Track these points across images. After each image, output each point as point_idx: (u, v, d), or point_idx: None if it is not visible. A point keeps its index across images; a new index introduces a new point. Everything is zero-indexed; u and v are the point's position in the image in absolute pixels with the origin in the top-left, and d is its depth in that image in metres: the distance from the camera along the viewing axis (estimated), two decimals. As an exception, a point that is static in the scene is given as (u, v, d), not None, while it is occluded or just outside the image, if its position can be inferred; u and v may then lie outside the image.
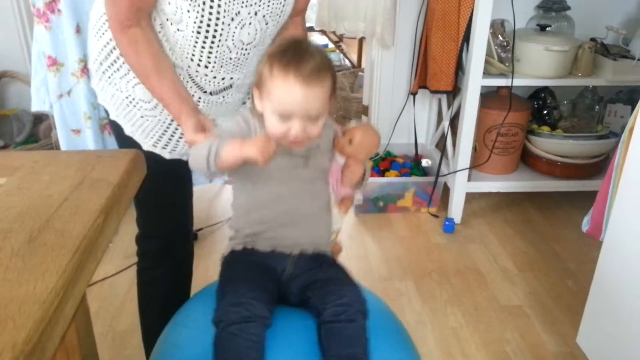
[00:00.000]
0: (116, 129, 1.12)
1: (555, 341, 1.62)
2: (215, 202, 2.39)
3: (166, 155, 1.12)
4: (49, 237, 0.60)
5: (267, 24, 1.01)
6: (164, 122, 1.08)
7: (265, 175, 0.93)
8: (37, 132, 2.43)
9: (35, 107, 1.97)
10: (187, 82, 1.04)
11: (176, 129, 1.09)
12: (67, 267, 0.55)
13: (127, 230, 2.05)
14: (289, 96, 0.85)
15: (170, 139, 1.10)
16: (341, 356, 0.83)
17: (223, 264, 0.98)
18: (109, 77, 1.06)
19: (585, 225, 1.41)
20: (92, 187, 0.71)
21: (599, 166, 2.27)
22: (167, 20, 0.97)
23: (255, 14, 0.98)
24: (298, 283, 0.93)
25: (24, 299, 0.50)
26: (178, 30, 0.97)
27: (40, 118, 2.43)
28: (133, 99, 1.05)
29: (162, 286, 1.26)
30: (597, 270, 1.33)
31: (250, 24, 0.99)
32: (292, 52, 0.86)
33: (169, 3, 0.95)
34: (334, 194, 0.99)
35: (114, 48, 1.02)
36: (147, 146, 1.09)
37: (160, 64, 0.98)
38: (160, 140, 1.10)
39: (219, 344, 0.83)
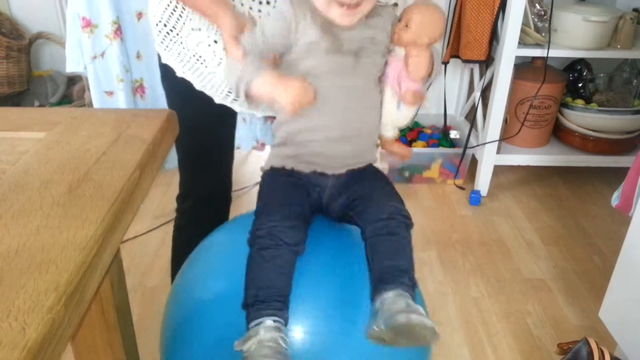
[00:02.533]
0: (180, 85, 1.10)
1: (578, 315, 1.62)
2: (243, 167, 2.42)
3: (236, 108, 1.11)
4: (87, 188, 0.62)
5: None
6: None
7: (312, 78, 0.83)
8: (70, 93, 2.48)
9: (70, 68, 2.00)
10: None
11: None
12: (105, 216, 0.57)
13: (157, 192, 2.11)
14: None
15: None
16: (383, 268, 0.82)
17: (262, 179, 0.95)
18: (175, 36, 1.06)
19: (615, 200, 1.38)
20: (128, 144, 0.73)
21: (634, 142, 2.21)
22: None
23: None
24: (340, 201, 0.91)
25: (65, 245, 0.53)
26: None
27: (73, 79, 2.48)
28: (200, 56, 1.05)
29: (194, 244, 1.30)
30: (624, 244, 1.32)
31: None
32: None
33: None
34: (395, 92, 0.88)
35: (176, 7, 1.02)
36: (218, 100, 1.09)
37: None
38: (230, 95, 1.09)
39: (251, 267, 0.84)
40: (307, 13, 0.84)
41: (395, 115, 0.92)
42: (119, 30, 1.91)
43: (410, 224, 0.86)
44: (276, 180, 0.92)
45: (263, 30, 0.85)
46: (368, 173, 0.94)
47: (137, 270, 1.76)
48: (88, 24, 1.90)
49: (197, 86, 1.09)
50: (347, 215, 0.91)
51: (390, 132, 0.96)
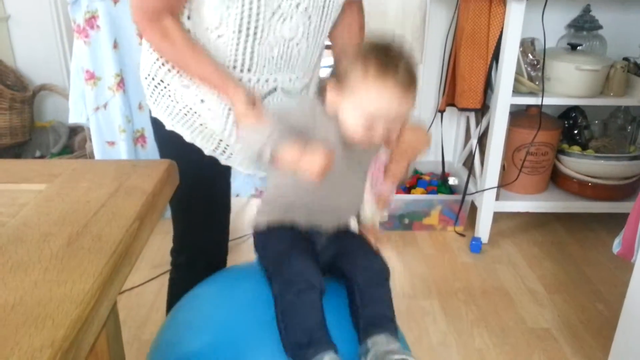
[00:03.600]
0: (170, 139, 1.11)
1: (585, 366, 1.58)
2: (242, 215, 2.41)
3: (223, 160, 1.12)
4: (86, 241, 0.62)
5: (309, 17, 0.99)
6: (224, 130, 1.08)
7: None
8: (72, 143, 2.51)
9: (73, 119, 2.04)
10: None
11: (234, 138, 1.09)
12: (103, 269, 0.57)
13: (155, 241, 2.09)
14: (385, 102, 0.84)
15: (227, 146, 1.11)
16: (374, 315, 0.91)
17: (260, 237, 1.01)
18: (163, 89, 1.07)
19: (617, 246, 1.38)
20: (127, 195, 0.73)
21: (631, 187, 2.22)
22: (207, 29, 0.98)
23: (297, 6, 0.96)
24: (329, 252, 0.99)
25: (62, 299, 0.52)
26: (218, 36, 0.97)
27: (75, 130, 2.51)
28: (190, 108, 1.06)
29: None
30: (628, 292, 1.30)
31: (291, 17, 0.97)
32: (389, 53, 0.85)
33: (208, 6, 0.95)
34: (373, 188, 0.99)
35: (165, 61, 1.04)
36: (207, 151, 1.10)
37: (195, 47, 0.98)
38: (219, 147, 1.11)
39: (292, 312, 0.88)
40: (328, 121, 0.91)
41: (371, 204, 1.03)
42: (121, 83, 1.96)
43: (389, 277, 0.97)
44: (282, 233, 0.98)
45: (287, 119, 0.90)
46: (349, 233, 1.05)
47: (133, 323, 1.73)
48: (92, 77, 1.94)
49: (187, 138, 1.10)
50: (334, 266, 0.98)
51: (367, 213, 1.05)
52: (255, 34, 0.97)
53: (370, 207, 1.02)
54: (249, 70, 1.01)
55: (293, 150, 0.84)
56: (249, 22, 0.95)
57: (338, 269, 0.97)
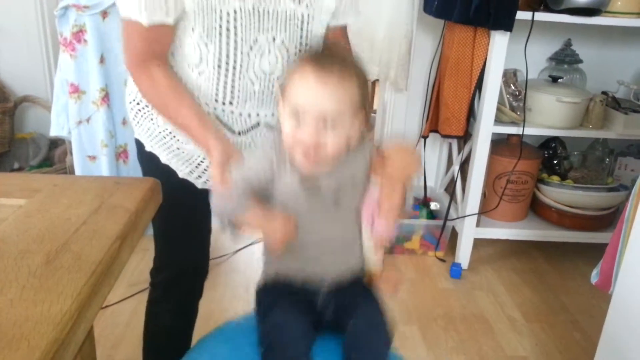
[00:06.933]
0: (150, 160, 1.12)
1: (562, 396, 1.58)
2: (221, 235, 2.39)
3: (199, 185, 1.12)
4: (65, 259, 0.61)
5: (287, 50, 1.00)
6: (200, 155, 1.08)
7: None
8: (52, 156, 2.46)
9: (54, 132, 2.01)
10: (217, 125, 1.04)
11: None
12: (82, 290, 0.55)
13: (134, 258, 2.05)
14: (302, 89, 0.80)
15: (204, 171, 1.10)
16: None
17: (258, 294, 0.96)
18: (146, 113, 1.08)
19: (595, 277, 1.39)
20: (109, 213, 0.72)
21: (609, 218, 2.26)
22: (188, 66, 0.99)
23: (274, 39, 0.98)
24: (331, 308, 0.91)
25: (39, 320, 0.51)
26: (199, 74, 0.99)
27: (55, 143, 2.48)
28: (170, 132, 1.07)
29: (168, 319, 1.26)
30: (605, 323, 1.31)
31: (269, 51, 0.98)
32: (320, 50, 0.83)
33: (188, 44, 0.96)
34: (369, 230, 0.90)
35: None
36: (182, 174, 1.10)
37: (178, 94, 0.98)
38: (194, 171, 1.10)
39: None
40: (287, 158, 0.86)
41: (372, 251, 0.94)
42: (106, 97, 1.94)
43: (388, 333, 0.88)
44: (273, 293, 0.92)
45: (249, 166, 0.89)
46: (355, 285, 0.94)
47: (106, 342, 1.68)
48: (76, 90, 1.92)
49: (163, 160, 1.11)
50: (337, 323, 0.90)
51: (372, 261, 0.95)
52: (234, 68, 0.98)
53: (370, 252, 0.92)
54: (230, 103, 1.02)
55: (255, 219, 0.85)
56: (227, 57, 0.96)
57: (339, 324, 0.89)
